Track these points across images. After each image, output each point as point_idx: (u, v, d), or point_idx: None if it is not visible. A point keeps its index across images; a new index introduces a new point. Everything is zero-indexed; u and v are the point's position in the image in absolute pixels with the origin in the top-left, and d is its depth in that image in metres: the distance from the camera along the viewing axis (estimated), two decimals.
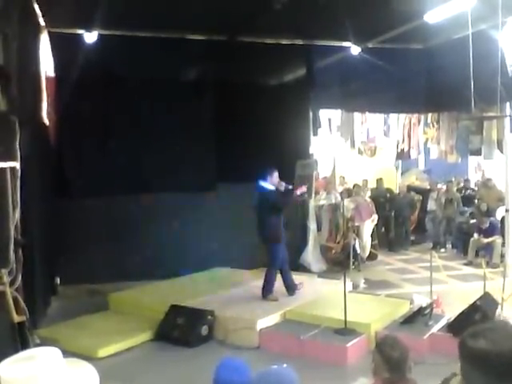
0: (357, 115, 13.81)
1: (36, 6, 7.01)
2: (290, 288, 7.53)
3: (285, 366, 2.19)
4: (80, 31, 8.53)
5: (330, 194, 11.76)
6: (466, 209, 12.59)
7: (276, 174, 7.47)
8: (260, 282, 7.48)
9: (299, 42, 9.95)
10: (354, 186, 12.17)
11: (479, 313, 5.86)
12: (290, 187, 7.66)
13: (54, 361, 1.52)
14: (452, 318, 6.20)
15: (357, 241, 10.55)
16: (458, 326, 5.78)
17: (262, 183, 7.39)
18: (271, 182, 7.40)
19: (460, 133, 13.43)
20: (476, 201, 12.91)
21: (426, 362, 5.25)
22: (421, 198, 13.53)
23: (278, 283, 7.50)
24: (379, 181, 13.26)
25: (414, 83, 10.44)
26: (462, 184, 14.31)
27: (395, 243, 12.34)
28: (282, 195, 7.50)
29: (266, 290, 7.36)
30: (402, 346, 2.96)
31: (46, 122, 7.78)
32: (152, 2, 7.24)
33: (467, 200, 12.96)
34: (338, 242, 10.86)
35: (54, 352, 1.55)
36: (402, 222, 12.47)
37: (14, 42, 5.29)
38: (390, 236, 12.42)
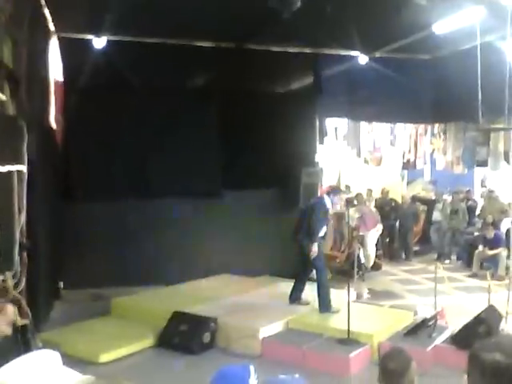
0: (363, 124, 13.78)
1: (46, 11, 7.07)
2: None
3: (296, 375, 2.12)
4: (89, 36, 8.59)
5: None
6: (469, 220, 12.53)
7: (341, 197, 7.60)
8: (263, 290, 7.44)
9: (307, 50, 9.97)
10: (356, 196, 12.08)
11: (483, 325, 5.82)
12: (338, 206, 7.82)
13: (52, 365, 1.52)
14: (456, 330, 6.16)
15: (361, 250, 10.50)
16: (461, 339, 5.75)
17: (325, 196, 7.45)
18: (332, 200, 7.38)
19: (467, 144, 13.37)
20: (479, 212, 12.84)
21: (429, 373, 5.21)
22: (426, 208, 13.46)
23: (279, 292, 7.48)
24: (384, 191, 13.23)
25: (421, 93, 10.44)
26: (462, 195, 14.11)
27: (398, 253, 12.28)
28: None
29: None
30: (403, 359, 2.88)
31: (54, 126, 7.82)
32: (161, 8, 7.28)
33: (468, 211, 12.88)
34: (343, 252, 10.82)
35: (53, 355, 1.55)
36: (406, 232, 12.43)
37: (23, 46, 5.34)
38: (394, 246, 12.36)
